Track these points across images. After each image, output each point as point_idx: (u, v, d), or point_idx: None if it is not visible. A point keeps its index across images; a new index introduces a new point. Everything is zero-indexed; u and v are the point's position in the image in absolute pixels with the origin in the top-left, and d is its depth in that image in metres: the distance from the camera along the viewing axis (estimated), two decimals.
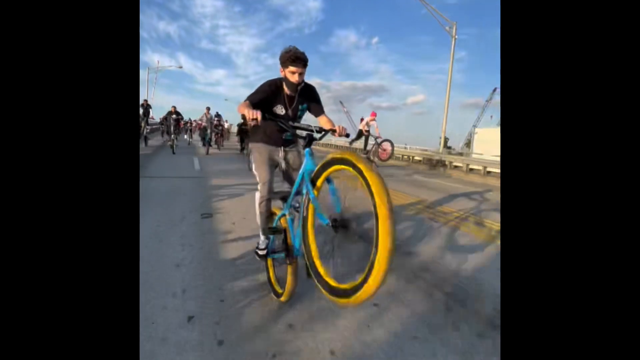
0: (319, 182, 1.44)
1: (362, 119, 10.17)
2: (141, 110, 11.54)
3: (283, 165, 1.98)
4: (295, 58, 1.73)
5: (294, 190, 1.70)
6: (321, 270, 1.40)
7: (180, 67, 38.82)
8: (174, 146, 9.92)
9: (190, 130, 17.38)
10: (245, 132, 10.52)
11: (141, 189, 4.49)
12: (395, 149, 11.06)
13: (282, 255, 1.81)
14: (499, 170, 8.72)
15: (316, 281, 1.39)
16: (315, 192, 1.46)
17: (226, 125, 17.37)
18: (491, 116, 43.09)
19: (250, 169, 2.22)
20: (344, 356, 1.53)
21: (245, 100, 1.78)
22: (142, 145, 10.95)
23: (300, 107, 1.95)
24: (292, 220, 1.75)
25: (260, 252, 2.04)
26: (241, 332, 1.65)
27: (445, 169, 11.05)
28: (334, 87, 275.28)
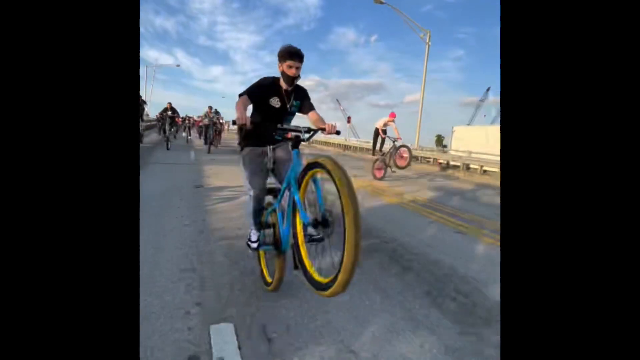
0: (304, 183, 1.56)
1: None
2: None
3: (270, 164, 2.05)
4: (292, 53, 1.88)
5: (283, 187, 1.84)
6: (307, 263, 1.55)
7: (178, 66, 40.11)
8: (169, 142, 10.27)
9: (189, 128, 17.12)
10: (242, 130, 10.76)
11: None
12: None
13: (271, 248, 1.99)
14: (477, 166, 10.26)
15: (303, 273, 1.54)
16: (300, 192, 1.57)
17: (224, 124, 16.38)
18: (484, 115, 44.34)
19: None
20: None
21: (243, 95, 1.90)
22: None
23: (294, 102, 2.05)
24: (282, 215, 1.85)
25: (252, 245, 2.11)
26: (213, 227, 3.15)
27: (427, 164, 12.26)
28: (332, 85, 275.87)
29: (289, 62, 1.89)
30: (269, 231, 2.04)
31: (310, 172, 1.51)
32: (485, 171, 10.20)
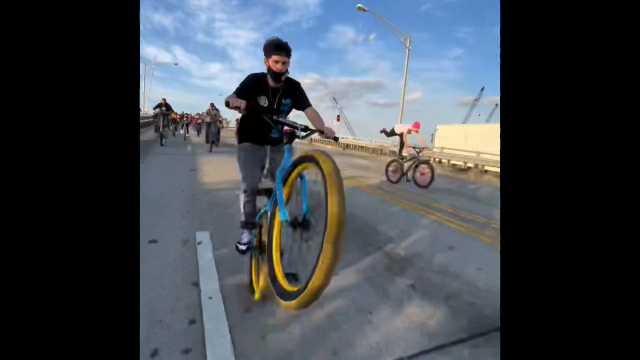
0: (290, 179, 1.48)
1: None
2: None
3: (268, 166, 1.99)
4: (278, 46, 1.75)
5: (275, 186, 1.70)
6: (277, 268, 1.42)
7: (176, 64, 40.80)
8: (162, 138, 10.26)
9: (187, 125, 16.72)
10: None
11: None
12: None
13: (257, 252, 1.89)
14: (446, 160, 11.97)
15: (270, 280, 1.41)
16: (285, 190, 1.48)
17: (223, 122, 15.85)
18: (479, 114, 45.13)
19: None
20: None
21: (231, 94, 1.78)
22: None
23: (283, 100, 1.93)
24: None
25: (240, 247, 2.02)
26: (204, 191, 4.54)
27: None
28: (331, 83, 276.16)
29: (274, 57, 1.78)
30: (257, 233, 1.95)
31: (299, 167, 1.42)
32: (453, 165, 12.07)
